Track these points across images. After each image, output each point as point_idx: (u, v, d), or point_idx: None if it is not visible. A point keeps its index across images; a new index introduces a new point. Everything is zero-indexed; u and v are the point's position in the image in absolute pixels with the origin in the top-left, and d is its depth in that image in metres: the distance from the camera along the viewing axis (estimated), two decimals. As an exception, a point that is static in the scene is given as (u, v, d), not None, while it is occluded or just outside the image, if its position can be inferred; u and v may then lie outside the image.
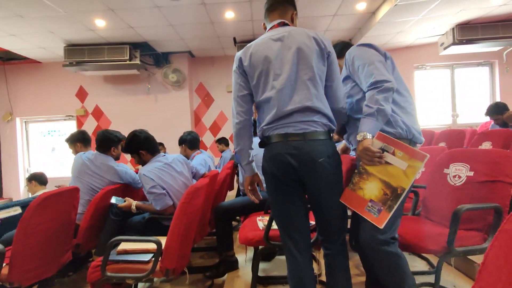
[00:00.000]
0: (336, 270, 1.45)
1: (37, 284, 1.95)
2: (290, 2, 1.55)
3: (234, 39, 5.30)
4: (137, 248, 1.78)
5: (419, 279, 2.14)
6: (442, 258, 1.59)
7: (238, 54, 1.49)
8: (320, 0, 4.08)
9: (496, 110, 3.41)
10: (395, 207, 1.24)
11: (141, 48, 5.39)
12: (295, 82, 1.38)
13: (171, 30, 4.82)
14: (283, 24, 1.49)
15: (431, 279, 2.12)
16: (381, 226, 1.24)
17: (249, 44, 1.49)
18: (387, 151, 1.29)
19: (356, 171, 1.39)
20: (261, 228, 1.81)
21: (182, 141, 3.70)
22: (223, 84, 6.19)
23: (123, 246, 1.81)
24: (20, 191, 6.10)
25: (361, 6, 4.33)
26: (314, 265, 2.45)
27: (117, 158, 2.74)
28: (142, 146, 2.33)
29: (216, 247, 2.58)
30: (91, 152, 2.66)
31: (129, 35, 4.90)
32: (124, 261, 1.70)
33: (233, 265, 2.44)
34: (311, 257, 1.47)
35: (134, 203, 2.27)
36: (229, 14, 4.38)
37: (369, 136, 1.32)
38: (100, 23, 4.42)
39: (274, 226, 1.85)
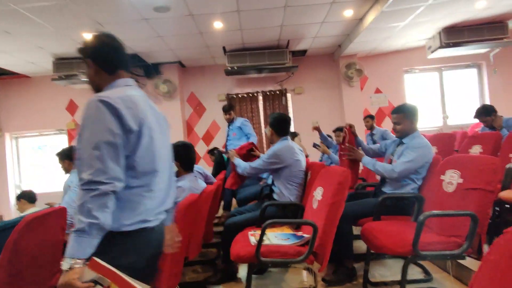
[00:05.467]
0: None
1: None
2: None
3: (224, 48, 5.31)
4: (126, 268, 1.74)
5: (413, 287, 2.13)
6: (409, 260, 1.64)
7: None
8: (308, 8, 4.11)
9: (484, 112, 3.44)
10: None
11: (131, 60, 5.36)
12: None
13: (160, 41, 4.81)
14: None
15: (426, 286, 2.12)
16: None
17: None
18: (101, 284, 0.95)
19: None
20: (252, 244, 1.79)
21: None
22: (214, 93, 6.18)
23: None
24: (11, 208, 5.99)
25: (349, 13, 4.37)
26: (309, 277, 2.43)
27: None
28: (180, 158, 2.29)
29: (222, 257, 2.56)
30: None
31: (118, 47, 4.88)
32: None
33: (232, 276, 2.44)
34: None
35: None
36: (218, 24, 4.39)
37: (78, 263, 0.95)
38: (88, 37, 4.39)
39: (266, 241, 1.83)
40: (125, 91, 1.11)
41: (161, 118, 1.23)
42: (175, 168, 2.32)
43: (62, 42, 4.49)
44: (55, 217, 1.92)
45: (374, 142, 4.87)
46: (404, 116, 2.31)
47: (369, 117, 5.02)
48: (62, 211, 1.98)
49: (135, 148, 1.07)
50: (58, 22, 3.88)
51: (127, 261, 1.06)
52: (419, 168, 2.18)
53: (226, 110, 4.38)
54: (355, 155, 2.31)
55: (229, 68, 5.39)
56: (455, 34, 5.04)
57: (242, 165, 2.69)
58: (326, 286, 2.22)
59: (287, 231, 2.04)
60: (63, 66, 5.10)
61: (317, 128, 4.24)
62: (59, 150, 3.14)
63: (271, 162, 2.48)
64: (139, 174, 1.09)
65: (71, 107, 6.04)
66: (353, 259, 2.27)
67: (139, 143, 1.07)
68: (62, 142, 6.12)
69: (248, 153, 3.00)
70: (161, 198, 1.19)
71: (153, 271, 1.24)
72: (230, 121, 4.42)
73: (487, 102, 6.02)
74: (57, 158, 3.11)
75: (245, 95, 6.11)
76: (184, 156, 2.33)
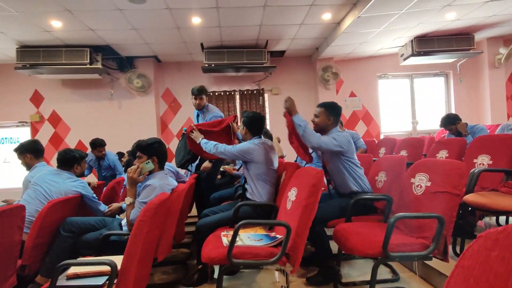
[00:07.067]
0: None
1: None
2: None
3: (202, 44, 5.21)
4: (89, 271, 1.64)
5: (381, 286, 2.18)
6: (378, 261, 1.66)
7: None
8: (287, 9, 4.12)
9: (448, 121, 3.60)
10: None
11: (103, 51, 5.13)
12: None
13: (135, 34, 4.63)
14: None
15: (394, 285, 2.17)
16: None
17: None
18: None
19: None
20: (225, 245, 1.74)
21: None
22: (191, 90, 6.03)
23: (73, 269, 1.65)
24: (-36, 204, 5.54)
25: (327, 16, 4.43)
26: (281, 277, 2.42)
27: (81, 175, 2.65)
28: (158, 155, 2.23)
29: (197, 258, 2.50)
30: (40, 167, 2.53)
31: (89, 37, 4.65)
32: (74, 287, 1.55)
33: (208, 277, 2.38)
34: None
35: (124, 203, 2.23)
36: (196, 20, 4.30)
37: None
38: (56, 24, 4.15)
39: (239, 242, 1.79)
40: None
41: None
42: (151, 166, 2.21)
43: (27, 28, 4.21)
44: (11, 216, 1.78)
45: None
46: (323, 111, 2.41)
47: None
48: (19, 209, 1.84)
49: None
50: (22, 6, 3.63)
51: None
52: (345, 153, 2.27)
53: (196, 94, 3.34)
54: (291, 105, 2.34)
55: (207, 65, 5.30)
56: (426, 43, 5.26)
57: (211, 145, 2.61)
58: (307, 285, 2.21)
59: (260, 231, 2.01)
60: (28, 54, 4.79)
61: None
62: (17, 145, 2.92)
63: (241, 156, 2.48)
64: None
65: (36, 98, 5.69)
66: (334, 259, 2.27)
67: None
68: (24, 135, 5.75)
69: (224, 130, 2.94)
70: None
71: None
72: (200, 108, 3.47)
73: (453, 109, 6.34)
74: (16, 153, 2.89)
75: (222, 93, 6.04)
76: (161, 153, 2.26)
